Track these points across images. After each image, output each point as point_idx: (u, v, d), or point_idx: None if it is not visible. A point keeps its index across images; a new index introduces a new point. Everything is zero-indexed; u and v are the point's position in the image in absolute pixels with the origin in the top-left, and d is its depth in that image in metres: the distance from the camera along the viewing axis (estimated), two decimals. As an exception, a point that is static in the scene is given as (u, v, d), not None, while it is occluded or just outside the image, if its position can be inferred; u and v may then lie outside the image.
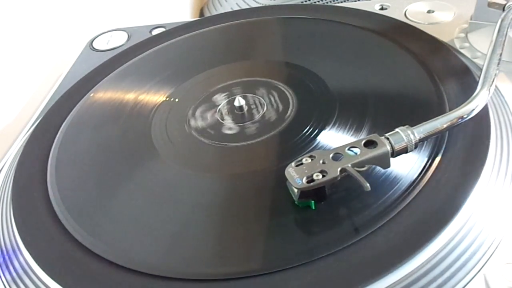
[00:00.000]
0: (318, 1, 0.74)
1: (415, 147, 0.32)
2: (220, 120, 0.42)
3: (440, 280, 0.28)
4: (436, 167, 0.33)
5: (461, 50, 0.46)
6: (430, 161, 0.33)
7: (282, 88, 0.44)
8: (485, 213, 0.31)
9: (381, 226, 0.30)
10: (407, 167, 0.33)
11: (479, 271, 0.29)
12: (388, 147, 0.31)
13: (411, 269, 0.28)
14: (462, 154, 0.34)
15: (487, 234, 0.30)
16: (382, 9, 0.54)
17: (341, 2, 0.72)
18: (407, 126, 0.32)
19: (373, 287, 0.28)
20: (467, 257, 0.29)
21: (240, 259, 0.31)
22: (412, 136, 0.32)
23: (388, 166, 0.32)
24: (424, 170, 0.33)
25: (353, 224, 0.31)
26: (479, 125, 0.35)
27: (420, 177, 0.32)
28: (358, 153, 0.31)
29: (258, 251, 0.31)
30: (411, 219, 0.30)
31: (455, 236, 0.29)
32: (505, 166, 0.33)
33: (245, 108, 0.42)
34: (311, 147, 0.37)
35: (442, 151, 0.34)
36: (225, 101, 0.44)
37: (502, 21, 0.40)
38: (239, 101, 0.42)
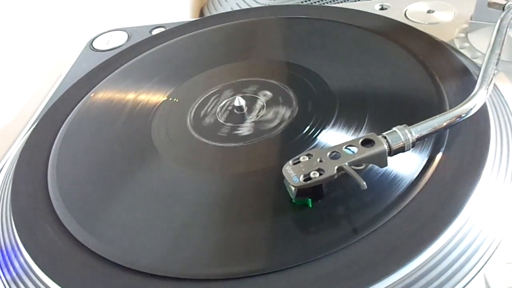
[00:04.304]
0: (318, 1, 0.74)
1: (413, 146, 0.32)
2: (220, 120, 0.42)
3: (440, 280, 0.28)
4: (436, 167, 0.33)
5: (461, 50, 0.46)
6: (430, 160, 0.33)
7: (282, 88, 0.44)
8: (485, 213, 0.31)
9: (381, 226, 0.30)
10: (407, 166, 0.33)
11: (479, 271, 0.29)
12: (385, 146, 0.31)
13: (411, 269, 0.28)
14: (462, 154, 0.34)
15: (487, 234, 0.30)
16: (382, 9, 0.54)
17: (341, 2, 0.72)
18: (404, 125, 0.32)
19: (373, 287, 0.28)
20: (467, 257, 0.29)
21: (239, 259, 0.31)
22: (409, 135, 0.32)
23: (386, 165, 0.32)
24: (424, 169, 0.33)
25: (352, 224, 0.31)
26: (479, 125, 0.35)
27: (420, 176, 0.32)
28: (356, 151, 0.31)
29: (257, 251, 0.31)
30: (411, 219, 0.30)
31: (455, 236, 0.29)
32: (505, 166, 0.33)
33: (245, 108, 0.42)
34: (311, 147, 0.37)
35: (442, 151, 0.34)
36: (225, 101, 0.44)
37: (501, 21, 0.40)
38: (239, 101, 0.42)
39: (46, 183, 0.39)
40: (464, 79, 0.40)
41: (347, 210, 0.32)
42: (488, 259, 0.29)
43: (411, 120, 0.33)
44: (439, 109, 0.36)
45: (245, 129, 0.40)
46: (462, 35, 0.47)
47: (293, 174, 0.31)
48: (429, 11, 0.52)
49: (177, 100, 0.46)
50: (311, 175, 0.30)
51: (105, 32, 0.63)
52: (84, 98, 0.48)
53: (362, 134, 0.36)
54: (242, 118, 0.41)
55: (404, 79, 0.42)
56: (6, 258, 0.35)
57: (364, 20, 0.50)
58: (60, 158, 0.41)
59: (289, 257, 0.30)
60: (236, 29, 0.55)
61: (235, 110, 0.42)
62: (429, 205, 0.31)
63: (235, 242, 0.32)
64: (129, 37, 0.61)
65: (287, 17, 0.55)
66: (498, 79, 0.41)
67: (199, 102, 0.44)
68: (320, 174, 0.30)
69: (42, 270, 0.33)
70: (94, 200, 0.37)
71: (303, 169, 0.31)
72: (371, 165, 0.33)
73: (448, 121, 0.33)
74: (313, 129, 0.38)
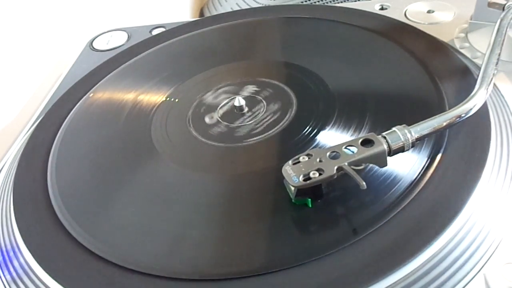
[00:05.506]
0: (318, 1, 0.74)
1: (412, 146, 0.32)
2: (220, 120, 0.42)
3: (440, 280, 0.28)
4: (436, 167, 0.33)
5: (461, 50, 0.46)
6: (430, 161, 0.33)
7: (282, 88, 0.44)
8: (485, 213, 0.31)
9: (380, 226, 0.30)
10: (407, 167, 0.33)
11: (479, 271, 0.29)
12: (385, 146, 0.31)
13: (411, 269, 0.28)
14: (463, 154, 0.33)
15: (487, 234, 0.30)
16: (382, 9, 0.54)
17: (341, 2, 0.72)
18: (404, 125, 0.32)
19: (374, 287, 0.28)
20: (467, 257, 0.29)
21: (239, 259, 0.31)
22: (409, 135, 0.32)
23: (385, 165, 0.32)
24: (424, 170, 0.33)
25: (351, 224, 0.31)
26: (479, 125, 0.35)
27: (420, 177, 0.32)
28: (355, 151, 0.31)
29: (257, 251, 0.31)
30: (411, 219, 0.30)
31: (455, 236, 0.29)
32: (505, 166, 0.33)
33: (245, 108, 0.42)
34: (311, 147, 0.37)
35: (442, 151, 0.34)
36: (225, 101, 0.44)
37: (501, 21, 0.40)
38: (239, 101, 0.42)
39: (46, 183, 0.39)
40: (464, 79, 0.40)
41: (346, 210, 0.32)
42: (488, 259, 0.29)
43: (411, 120, 0.33)
44: (439, 109, 0.36)
45: (245, 129, 0.40)
46: (462, 35, 0.47)
47: (293, 174, 0.31)
48: (429, 11, 0.52)
49: (177, 100, 0.46)
50: (311, 175, 0.30)
51: (105, 32, 0.63)
52: (84, 98, 0.48)
53: (362, 134, 0.36)
54: (242, 118, 0.41)
55: (404, 79, 0.42)
56: (6, 258, 0.35)
57: (364, 20, 0.50)
58: (60, 158, 0.41)
59: (289, 257, 0.30)
60: (236, 29, 0.55)
61: (235, 110, 0.42)
62: (429, 205, 0.31)
63: (235, 242, 0.32)
64: (129, 37, 0.61)
65: (287, 17, 0.55)
66: (498, 79, 0.41)
67: (199, 102, 0.45)
68: (320, 174, 0.30)
69: (43, 270, 0.33)
70: (94, 200, 0.37)
71: (303, 169, 0.31)
72: (370, 165, 0.33)
73: (448, 121, 0.33)
74: (313, 129, 0.38)
